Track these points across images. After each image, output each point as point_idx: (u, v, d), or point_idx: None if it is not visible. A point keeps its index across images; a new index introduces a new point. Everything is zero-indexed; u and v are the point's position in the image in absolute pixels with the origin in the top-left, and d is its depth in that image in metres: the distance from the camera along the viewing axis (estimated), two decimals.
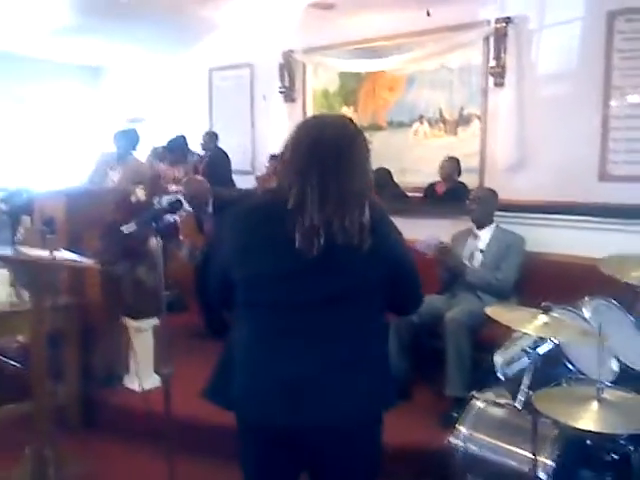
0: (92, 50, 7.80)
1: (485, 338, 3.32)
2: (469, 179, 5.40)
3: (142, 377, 3.14)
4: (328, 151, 1.63)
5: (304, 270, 1.61)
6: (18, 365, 3.86)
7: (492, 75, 5.32)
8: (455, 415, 2.72)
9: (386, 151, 6.11)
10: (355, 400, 1.65)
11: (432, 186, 5.61)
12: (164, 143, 6.78)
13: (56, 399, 3.09)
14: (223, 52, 7.19)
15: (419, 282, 1.80)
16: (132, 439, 3.39)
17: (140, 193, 4.48)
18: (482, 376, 2.89)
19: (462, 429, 2.58)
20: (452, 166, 5.44)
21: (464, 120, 5.70)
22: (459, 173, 5.44)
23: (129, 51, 7.79)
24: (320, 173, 1.61)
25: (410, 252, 1.80)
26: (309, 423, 1.62)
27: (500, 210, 4.10)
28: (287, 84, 6.80)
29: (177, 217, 5.03)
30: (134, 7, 5.51)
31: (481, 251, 3.92)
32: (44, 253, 2.78)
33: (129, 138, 6.00)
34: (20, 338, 3.89)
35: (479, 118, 5.55)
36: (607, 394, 1.98)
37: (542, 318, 2.25)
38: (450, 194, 5.30)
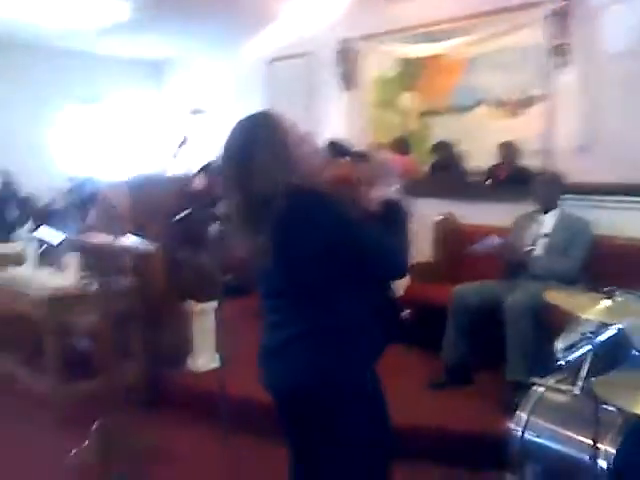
0: (154, 45, 8.01)
1: (549, 323, 3.23)
2: (533, 161, 5.24)
3: (204, 358, 3.21)
4: (228, 161, 1.72)
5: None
6: (88, 345, 4.03)
7: (556, 55, 5.15)
8: (516, 401, 2.67)
9: (447, 136, 6.02)
10: (287, 369, 1.72)
11: (494, 169, 5.47)
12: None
13: (123, 377, 3.21)
14: (281, 43, 7.09)
15: (377, 250, 1.68)
16: (192, 416, 3.51)
17: (200, 181, 4.59)
18: (544, 362, 2.82)
19: (522, 415, 2.54)
20: (507, 150, 5.30)
21: (527, 102, 5.54)
22: (517, 156, 5.29)
23: (189, 46, 7.96)
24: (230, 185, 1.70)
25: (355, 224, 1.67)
26: (268, 385, 1.79)
27: (566, 193, 3.95)
28: (345, 71, 6.75)
29: None
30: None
31: (545, 235, 3.80)
32: (109, 239, 2.90)
33: None
34: (90, 319, 4.06)
35: (543, 99, 5.38)
36: None
37: (605, 303, 2.17)
38: (512, 179, 5.15)
